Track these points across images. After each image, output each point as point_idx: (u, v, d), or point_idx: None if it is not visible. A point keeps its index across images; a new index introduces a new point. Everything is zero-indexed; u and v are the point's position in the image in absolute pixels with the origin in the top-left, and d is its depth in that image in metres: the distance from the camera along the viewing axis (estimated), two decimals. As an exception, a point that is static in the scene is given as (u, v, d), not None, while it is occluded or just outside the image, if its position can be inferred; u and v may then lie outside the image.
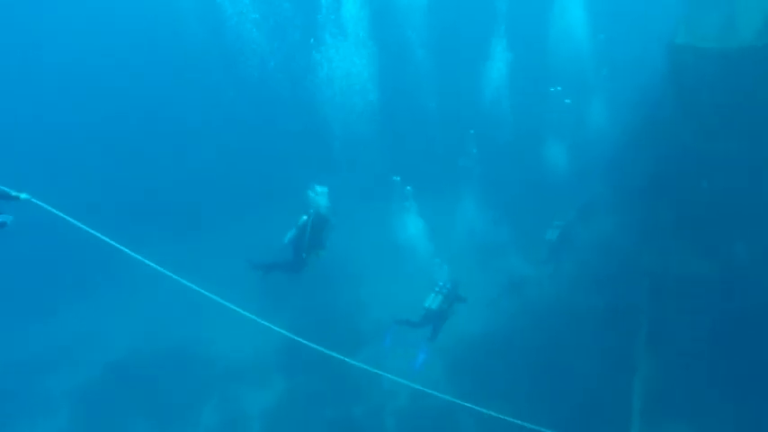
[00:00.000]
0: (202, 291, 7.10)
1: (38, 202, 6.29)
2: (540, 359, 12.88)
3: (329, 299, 16.84)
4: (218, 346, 16.45)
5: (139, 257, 6.75)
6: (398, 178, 14.40)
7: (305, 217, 11.03)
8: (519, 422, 7.66)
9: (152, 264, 6.84)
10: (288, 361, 15.34)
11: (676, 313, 10.60)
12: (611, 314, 12.55)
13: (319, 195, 11.21)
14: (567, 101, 17.38)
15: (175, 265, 7.10)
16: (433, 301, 11.81)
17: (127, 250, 6.69)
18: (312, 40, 15.99)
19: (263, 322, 7.44)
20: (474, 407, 7.87)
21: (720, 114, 9.80)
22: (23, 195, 6.36)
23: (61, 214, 6.27)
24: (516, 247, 16.90)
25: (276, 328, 7.50)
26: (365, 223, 17.16)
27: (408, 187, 14.27)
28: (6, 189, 6.33)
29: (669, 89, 10.66)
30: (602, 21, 17.47)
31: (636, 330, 10.97)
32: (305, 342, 7.57)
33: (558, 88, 17.53)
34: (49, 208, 6.26)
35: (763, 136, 9.59)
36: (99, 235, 6.46)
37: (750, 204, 9.85)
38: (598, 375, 11.72)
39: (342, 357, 7.79)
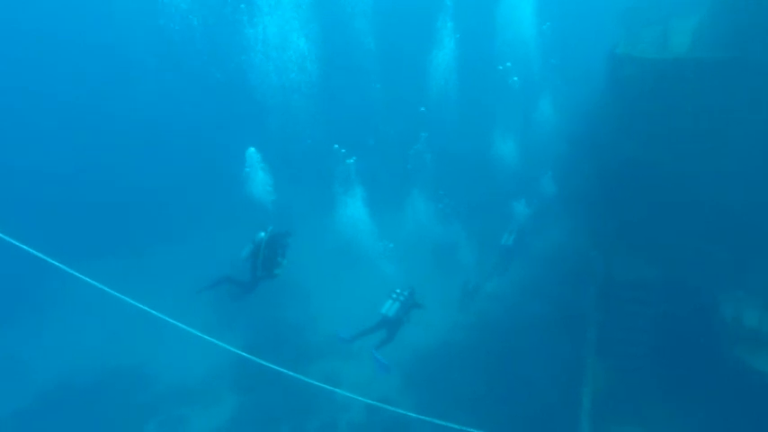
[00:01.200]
0: (146, 308, 6.72)
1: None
2: (492, 368, 12.95)
3: (280, 314, 16.46)
4: (164, 365, 15.76)
5: (80, 275, 6.32)
6: (338, 147, 13.91)
7: (262, 234, 10.76)
8: (473, 431, 7.58)
9: (93, 282, 6.40)
10: (239, 378, 14.88)
11: (622, 317, 10.88)
12: (562, 320, 12.76)
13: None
14: (515, 78, 17.24)
15: (122, 282, 6.74)
16: (389, 309, 11.61)
17: (66, 268, 6.24)
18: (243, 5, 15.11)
19: (211, 339, 7.13)
20: (427, 419, 7.76)
21: (657, 121, 10.13)
22: None
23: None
24: (470, 250, 16.92)
25: (224, 345, 7.21)
26: (310, 226, 16.54)
27: (350, 160, 13.85)
28: None
29: (610, 97, 10.98)
30: (549, 10, 17.51)
31: (585, 335, 11.17)
32: (256, 360, 7.33)
33: (508, 64, 17.33)
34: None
35: (695, 143, 9.96)
36: (35, 252, 5.97)
37: (687, 209, 10.21)
38: (550, 381, 11.86)
39: (295, 374, 7.58)
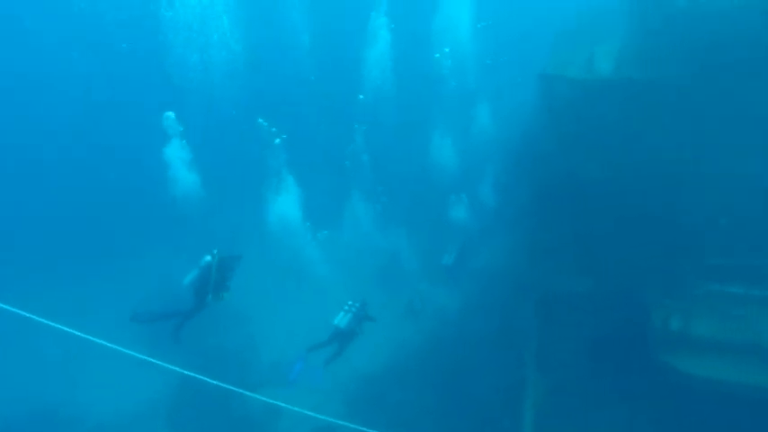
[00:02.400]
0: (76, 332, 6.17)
1: None
2: (437, 386, 12.85)
3: (218, 341, 15.64)
4: (88, 404, 14.48)
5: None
6: (264, 122, 13.40)
7: (208, 257, 10.30)
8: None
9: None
10: (175, 412, 14.00)
11: (560, 329, 11.12)
12: (504, 335, 12.87)
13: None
14: (448, 61, 17.30)
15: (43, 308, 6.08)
16: (341, 320, 11.74)
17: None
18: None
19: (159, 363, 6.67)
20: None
21: (586, 137, 10.57)
22: None
23: None
24: (413, 261, 16.80)
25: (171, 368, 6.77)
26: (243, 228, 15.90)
27: (278, 139, 13.45)
28: None
29: (541, 115, 11.39)
30: (486, 10, 17.48)
31: (525, 348, 11.32)
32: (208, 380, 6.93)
33: (446, 50, 17.30)
34: None
35: (622, 159, 10.45)
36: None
37: (617, 221, 10.62)
38: (493, 396, 11.87)
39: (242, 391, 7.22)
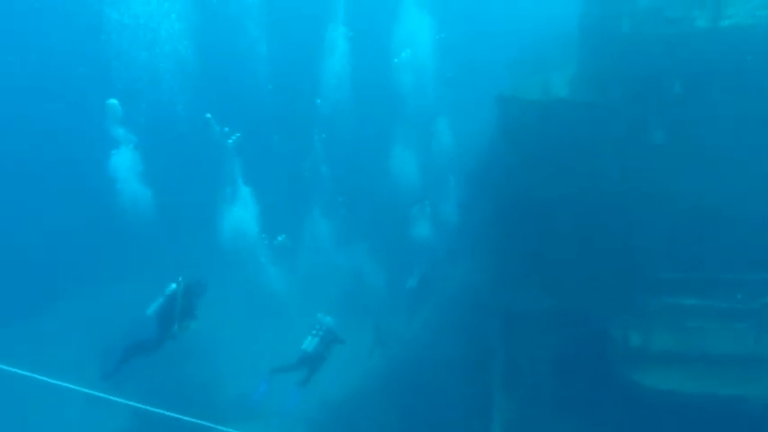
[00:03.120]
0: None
1: None
2: (405, 412, 12.66)
3: (179, 374, 14.96)
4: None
5: None
6: (213, 119, 12.97)
7: (174, 285, 10.05)
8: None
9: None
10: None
11: (525, 349, 11.17)
12: (470, 356, 12.85)
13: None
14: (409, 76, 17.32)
15: None
16: (309, 344, 11.67)
17: None
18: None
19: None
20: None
21: (543, 159, 10.86)
22: None
23: None
24: (378, 280, 16.63)
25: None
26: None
27: (230, 140, 13.11)
28: None
29: (500, 138, 11.66)
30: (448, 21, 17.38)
31: (492, 369, 11.32)
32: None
33: (405, 53, 17.14)
34: None
35: (576, 179, 10.75)
36: None
37: (577, 240, 10.85)
38: (462, 420, 11.77)
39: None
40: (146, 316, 9.83)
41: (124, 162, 10.61)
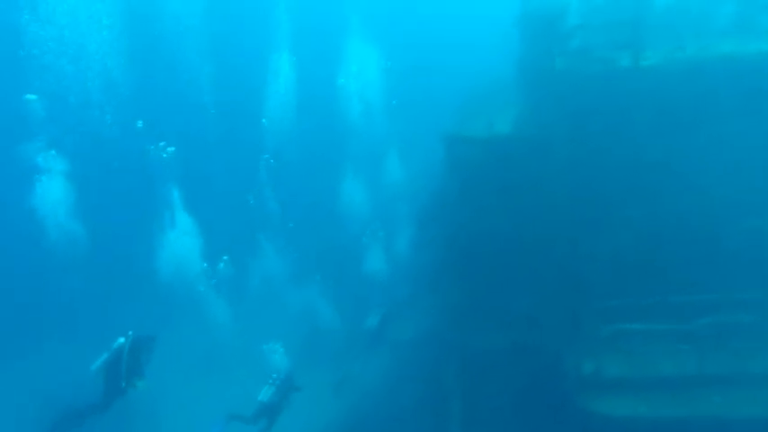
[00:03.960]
0: None
1: None
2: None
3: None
4: None
5: None
6: (141, 124, 12.52)
7: (122, 339, 9.50)
8: None
9: None
10: None
11: (482, 386, 11.07)
12: (430, 397, 12.57)
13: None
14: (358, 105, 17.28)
15: None
16: (265, 394, 11.28)
17: None
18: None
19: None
20: None
21: (490, 195, 11.13)
22: None
23: None
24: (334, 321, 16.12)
25: None
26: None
27: (167, 152, 12.56)
28: None
29: (447, 176, 11.90)
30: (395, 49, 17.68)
31: (451, 410, 11.12)
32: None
33: (352, 72, 17.17)
34: None
35: (524, 212, 11.04)
36: None
37: (526, 274, 11.01)
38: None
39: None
40: (90, 372, 9.21)
41: (52, 193, 9.92)
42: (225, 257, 11.83)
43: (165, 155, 12.52)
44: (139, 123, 12.97)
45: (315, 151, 18.06)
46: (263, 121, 16.39)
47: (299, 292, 15.55)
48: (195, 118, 18.07)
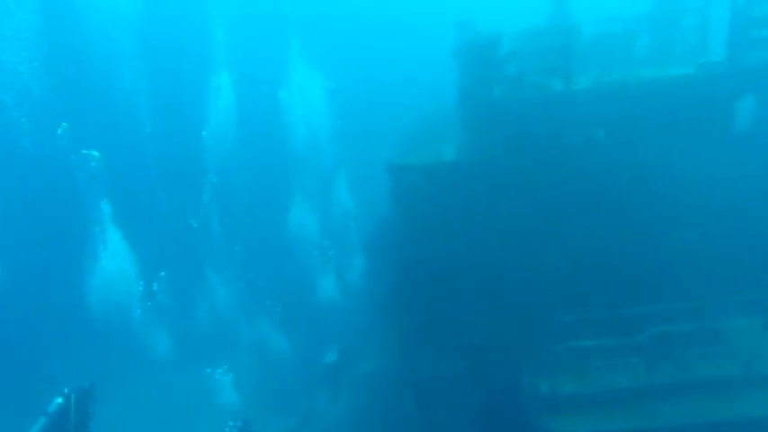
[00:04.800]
0: None
1: None
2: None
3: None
4: None
5: None
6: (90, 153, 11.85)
7: (59, 399, 8.57)
8: None
9: None
10: None
11: (441, 414, 10.85)
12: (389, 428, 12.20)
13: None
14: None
15: None
16: None
17: None
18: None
19: None
20: None
21: (437, 220, 11.18)
22: None
23: None
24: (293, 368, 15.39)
25: None
26: None
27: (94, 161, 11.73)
28: None
29: (393, 204, 11.89)
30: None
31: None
32: None
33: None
34: None
35: (472, 237, 11.14)
36: None
37: (476, 297, 11.04)
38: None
39: None
40: None
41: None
42: (158, 283, 11.00)
43: (93, 163, 11.77)
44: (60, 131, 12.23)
45: (257, 172, 17.71)
46: (204, 133, 16.07)
47: (251, 322, 14.81)
48: (130, 137, 17.52)
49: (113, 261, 11.64)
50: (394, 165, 11.91)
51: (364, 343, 15.71)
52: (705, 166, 9.96)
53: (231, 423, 11.32)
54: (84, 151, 12.11)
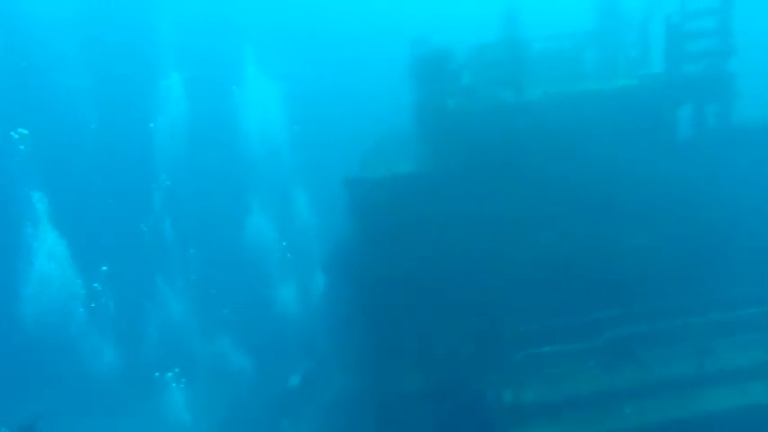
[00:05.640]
0: None
1: None
2: None
3: None
4: None
5: None
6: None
7: None
8: None
9: None
10: None
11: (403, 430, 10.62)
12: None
13: None
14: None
15: None
16: None
17: None
18: None
19: None
20: None
21: (394, 234, 11.11)
22: None
23: None
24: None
25: None
26: None
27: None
28: None
29: (351, 219, 11.77)
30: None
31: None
32: None
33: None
34: None
35: (431, 248, 11.11)
36: None
37: (437, 312, 10.96)
38: None
39: None
40: None
41: None
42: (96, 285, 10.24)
43: (22, 147, 11.02)
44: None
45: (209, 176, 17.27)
46: (151, 125, 15.58)
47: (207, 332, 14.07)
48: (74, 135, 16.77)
49: (49, 264, 10.81)
50: (350, 179, 11.84)
51: (328, 365, 15.37)
52: (652, 171, 10.33)
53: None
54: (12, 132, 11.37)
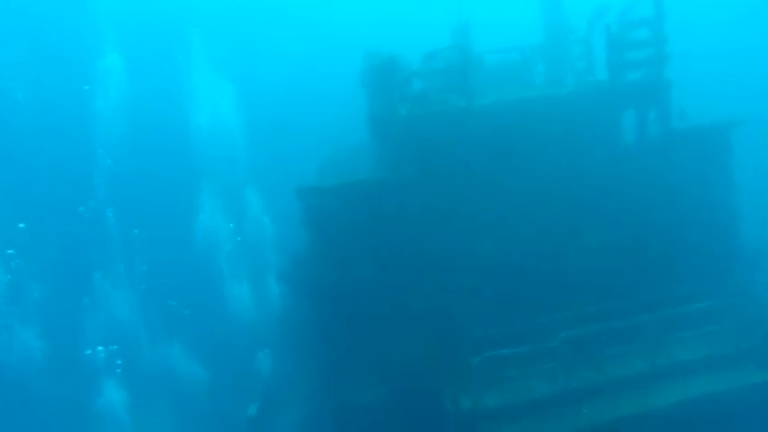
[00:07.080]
0: None
1: None
2: None
3: None
4: None
5: None
6: None
7: None
8: None
9: None
10: None
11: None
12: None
13: None
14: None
15: None
16: None
17: None
18: None
19: None
20: None
21: (348, 243, 10.92)
22: None
23: None
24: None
25: None
26: None
27: None
28: None
29: (304, 229, 11.52)
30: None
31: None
32: None
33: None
34: None
35: (385, 256, 10.95)
36: None
37: (393, 321, 10.75)
38: None
39: None
40: None
41: None
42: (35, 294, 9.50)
43: None
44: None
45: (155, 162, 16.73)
46: (85, 87, 14.85)
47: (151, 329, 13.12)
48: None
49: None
50: (303, 188, 11.63)
51: (286, 390, 14.81)
52: (599, 174, 10.57)
53: None
54: None
